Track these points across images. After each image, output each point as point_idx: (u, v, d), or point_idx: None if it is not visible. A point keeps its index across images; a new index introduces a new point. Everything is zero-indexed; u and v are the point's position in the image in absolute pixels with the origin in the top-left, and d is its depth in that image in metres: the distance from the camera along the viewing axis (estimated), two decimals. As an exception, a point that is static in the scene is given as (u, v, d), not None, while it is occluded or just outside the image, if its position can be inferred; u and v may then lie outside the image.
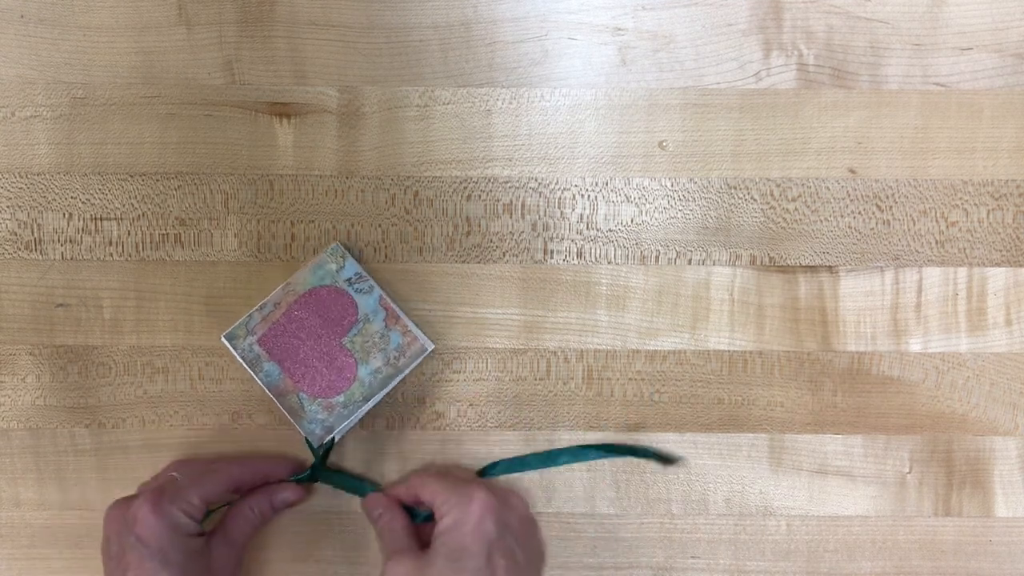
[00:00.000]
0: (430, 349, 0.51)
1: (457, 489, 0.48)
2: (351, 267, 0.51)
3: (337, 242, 0.52)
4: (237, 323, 0.50)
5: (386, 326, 0.51)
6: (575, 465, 0.53)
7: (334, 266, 0.51)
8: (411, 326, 0.51)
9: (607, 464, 0.53)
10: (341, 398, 0.50)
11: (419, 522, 0.50)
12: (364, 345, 0.51)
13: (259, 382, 0.50)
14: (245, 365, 0.50)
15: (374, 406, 0.51)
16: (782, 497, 0.54)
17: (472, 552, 0.45)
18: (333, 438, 0.50)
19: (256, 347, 0.50)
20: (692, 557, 0.54)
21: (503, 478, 0.53)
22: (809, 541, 0.54)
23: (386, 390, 0.51)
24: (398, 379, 0.51)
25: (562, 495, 0.54)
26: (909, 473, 0.54)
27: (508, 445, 0.53)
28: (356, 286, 0.51)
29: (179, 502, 0.46)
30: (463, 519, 0.46)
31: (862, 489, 0.54)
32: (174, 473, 0.49)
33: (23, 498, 0.53)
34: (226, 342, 0.50)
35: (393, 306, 0.51)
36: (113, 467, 0.53)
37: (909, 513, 0.54)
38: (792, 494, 0.54)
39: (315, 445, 0.50)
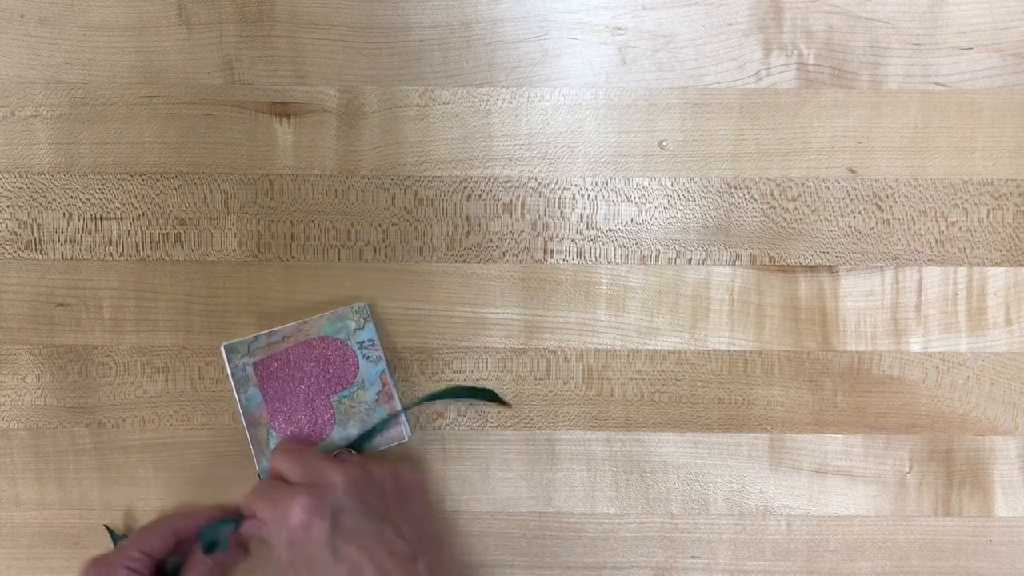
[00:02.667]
0: (406, 438, 0.51)
1: (273, 501, 0.45)
2: (368, 332, 0.51)
3: (365, 303, 0.52)
4: (241, 339, 0.50)
5: (377, 400, 0.51)
6: (575, 465, 0.53)
7: (353, 324, 0.51)
8: (399, 408, 0.51)
9: (607, 464, 0.53)
10: None
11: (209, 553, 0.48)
12: (348, 409, 0.51)
13: (238, 403, 0.50)
14: (231, 380, 0.50)
15: None
16: (782, 497, 0.54)
17: (309, 560, 0.43)
18: None
19: (249, 369, 0.50)
20: (692, 557, 0.54)
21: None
22: (809, 541, 0.54)
23: None
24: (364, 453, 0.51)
25: (562, 495, 0.54)
26: (909, 473, 0.53)
27: (508, 445, 0.53)
28: (366, 351, 0.51)
29: (121, 558, 0.48)
30: (278, 532, 0.44)
31: (862, 489, 0.53)
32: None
33: (23, 498, 0.53)
34: (223, 352, 0.50)
35: (391, 384, 0.51)
36: (113, 467, 0.53)
37: (909, 513, 0.54)
38: (792, 494, 0.54)
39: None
